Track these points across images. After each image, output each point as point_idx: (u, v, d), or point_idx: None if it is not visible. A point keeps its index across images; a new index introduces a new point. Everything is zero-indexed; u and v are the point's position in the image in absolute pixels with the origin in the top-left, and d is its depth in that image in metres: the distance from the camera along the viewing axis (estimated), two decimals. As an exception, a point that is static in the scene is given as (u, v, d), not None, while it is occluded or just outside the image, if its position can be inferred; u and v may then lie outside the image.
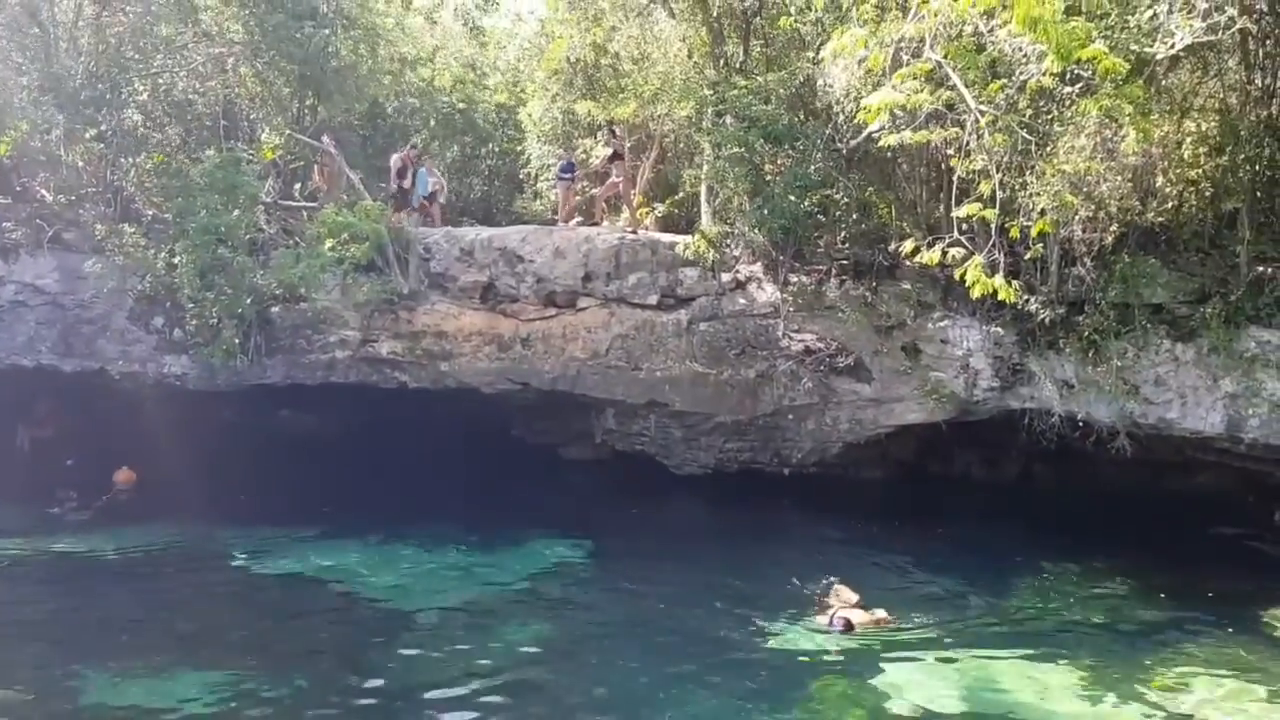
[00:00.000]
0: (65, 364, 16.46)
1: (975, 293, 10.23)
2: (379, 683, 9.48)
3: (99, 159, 17.29)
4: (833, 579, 11.86)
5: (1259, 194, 13.13)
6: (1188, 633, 10.78)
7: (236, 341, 15.61)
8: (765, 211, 14.35)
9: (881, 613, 11.04)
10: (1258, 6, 12.06)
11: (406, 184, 17.81)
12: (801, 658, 10.06)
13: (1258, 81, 13.02)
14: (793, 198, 14.10)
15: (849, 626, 10.67)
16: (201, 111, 17.52)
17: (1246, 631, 10.76)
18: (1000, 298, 10.35)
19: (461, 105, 20.25)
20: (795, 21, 14.89)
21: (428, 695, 9.17)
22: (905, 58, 10.72)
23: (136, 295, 16.24)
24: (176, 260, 15.73)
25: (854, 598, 11.36)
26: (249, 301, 15.56)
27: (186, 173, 16.15)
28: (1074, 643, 10.44)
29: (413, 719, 8.66)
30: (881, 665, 9.81)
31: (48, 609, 11.47)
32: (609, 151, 16.73)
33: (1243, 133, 12.67)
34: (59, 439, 17.64)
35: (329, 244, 15.38)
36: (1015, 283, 10.81)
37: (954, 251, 10.73)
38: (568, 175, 17.64)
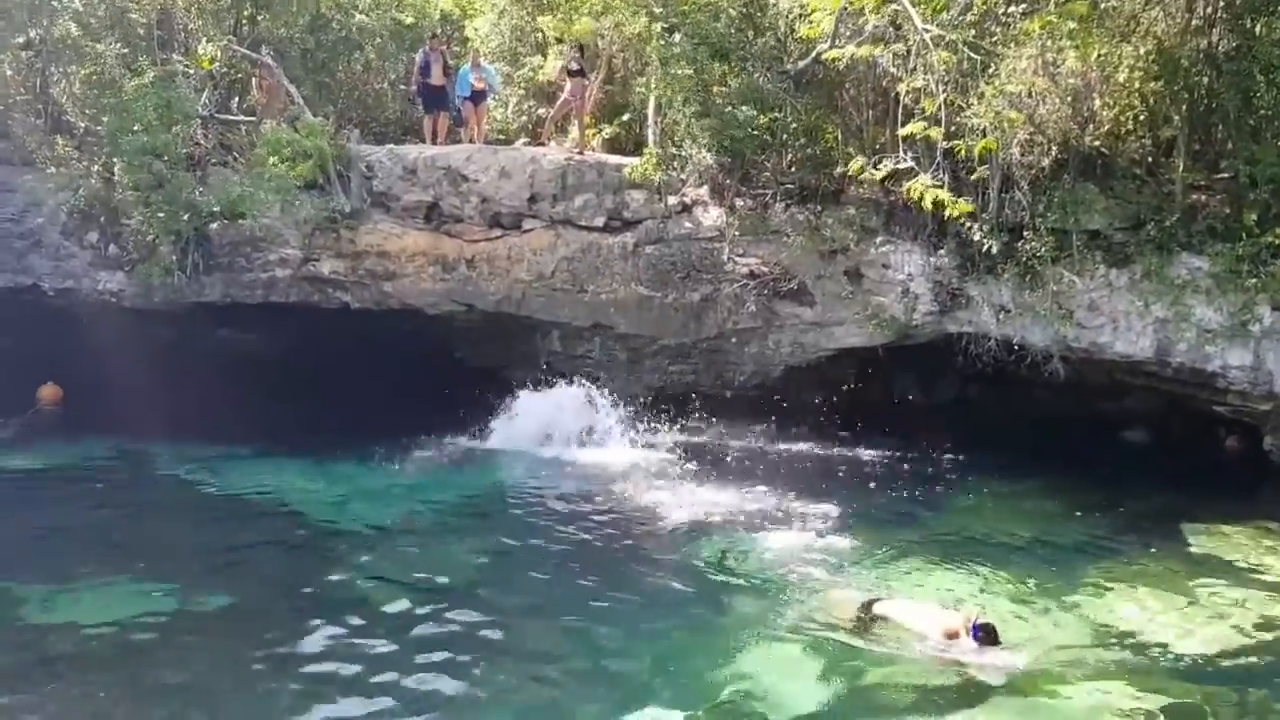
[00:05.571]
0: (-4, 279, 16.11)
1: (926, 200, 10.30)
2: (321, 596, 9.44)
3: (29, 68, 16.77)
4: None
5: (1195, 123, 13.35)
6: (1110, 548, 11.07)
7: (174, 259, 15.32)
8: (717, 121, 14.25)
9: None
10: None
11: (434, 81, 16.93)
12: (736, 571, 10.19)
13: (1199, 10, 13.16)
14: (742, 110, 14.04)
15: (991, 635, 8.22)
16: (136, 20, 16.93)
17: (1164, 546, 11.10)
18: (949, 213, 10.50)
19: (410, 21, 19.70)
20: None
21: (371, 607, 9.16)
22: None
23: (70, 210, 15.84)
24: (114, 178, 15.35)
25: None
26: (186, 219, 15.22)
27: (120, 87, 15.67)
28: (1001, 558, 10.61)
29: (355, 632, 8.61)
30: (812, 578, 10.00)
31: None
32: (574, 67, 16.42)
33: (1182, 61, 12.83)
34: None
35: (272, 162, 15.07)
36: (961, 199, 10.96)
37: (899, 167, 10.82)
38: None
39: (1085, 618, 9.14)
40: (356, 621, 8.83)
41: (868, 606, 8.89)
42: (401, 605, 9.24)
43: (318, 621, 8.81)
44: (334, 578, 9.93)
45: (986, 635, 8.20)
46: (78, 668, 7.96)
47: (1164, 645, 8.60)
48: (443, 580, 9.90)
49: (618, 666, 8.10)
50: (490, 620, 8.97)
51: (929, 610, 8.80)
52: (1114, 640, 8.68)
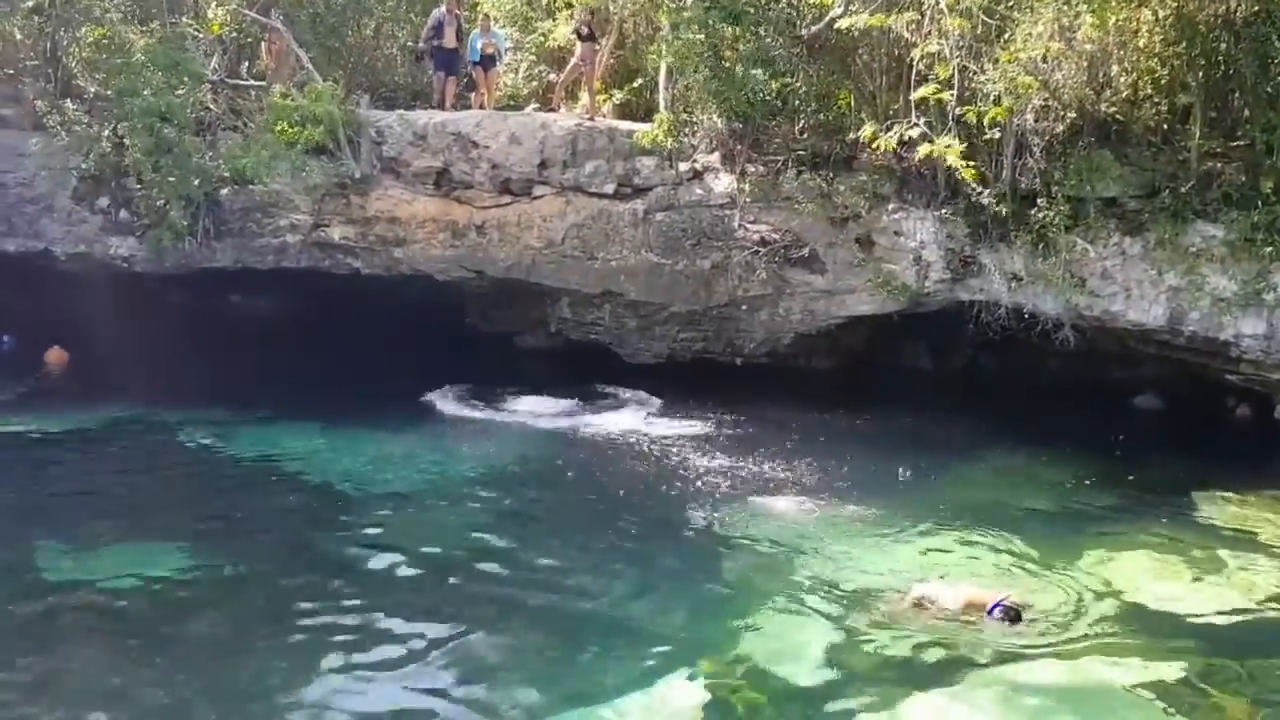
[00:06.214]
0: (8, 244, 16.15)
1: (953, 154, 10.22)
2: (334, 560, 9.53)
3: (39, 32, 16.72)
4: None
5: (1212, 89, 13.21)
6: (1122, 516, 11.07)
7: (184, 224, 15.35)
8: (728, 85, 14.14)
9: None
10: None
11: (447, 43, 16.66)
12: (744, 538, 10.22)
13: (1218, -26, 12.98)
14: (755, 72, 13.93)
15: (1016, 616, 8.24)
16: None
17: (1175, 515, 11.09)
18: (963, 175, 10.43)
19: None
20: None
21: (387, 571, 9.28)
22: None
23: (80, 175, 15.86)
24: (123, 140, 15.35)
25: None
26: (196, 183, 15.24)
27: (129, 49, 15.62)
28: (1012, 526, 10.59)
29: (370, 595, 8.73)
30: (822, 543, 10.03)
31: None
32: (585, 32, 16.29)
33: (1200, 26, 12.68)
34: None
35: (280, 128, 15.03)
36: (974, 163, 10.89)
37: (911, 133, 10.75)
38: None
39: (1096, 586, 9.14)
40: (372, 585, 8.96)
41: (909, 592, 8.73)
42: (415, 568, 9.35)
43: (332, 585, 8.93)
44: (346, 542, 10.03)
45: (1006, 615, 8.18)
46: (95, 626, 8.07)
47: (1175, 614, 8.63)
48: (456, 545, 9.98)
49: (628, 632, 8.15)
50: (502, 585, 9.07)
51: (965, 588, 8.72)
52: (1125, 609, 8.70)
